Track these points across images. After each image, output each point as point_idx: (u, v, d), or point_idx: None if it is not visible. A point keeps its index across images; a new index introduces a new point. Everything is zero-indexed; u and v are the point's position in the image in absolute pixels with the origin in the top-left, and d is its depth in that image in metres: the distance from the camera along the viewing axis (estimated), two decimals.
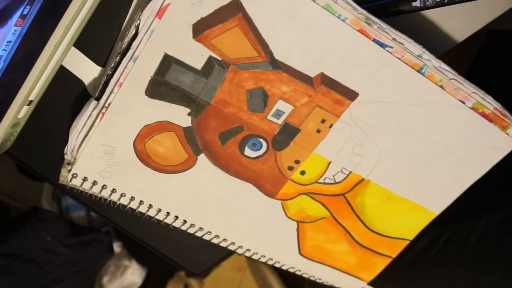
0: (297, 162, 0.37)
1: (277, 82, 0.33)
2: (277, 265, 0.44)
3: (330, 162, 0.38)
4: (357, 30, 0.31)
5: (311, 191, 0.39)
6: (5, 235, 0.54)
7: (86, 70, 0.33)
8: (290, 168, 0.37)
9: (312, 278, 0.46)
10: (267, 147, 0.36)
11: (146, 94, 0.32)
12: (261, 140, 0.36)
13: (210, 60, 0.31)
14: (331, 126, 0.35)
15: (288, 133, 0.35)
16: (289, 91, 0.33)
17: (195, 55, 0.31)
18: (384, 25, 0.31)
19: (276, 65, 0.32)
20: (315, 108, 0.34)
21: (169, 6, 0.29)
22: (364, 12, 0.30)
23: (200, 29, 0.30)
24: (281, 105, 0.34)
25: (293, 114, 0.34)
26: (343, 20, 0.30)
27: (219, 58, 0.31)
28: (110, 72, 0.32)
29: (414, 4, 0.34)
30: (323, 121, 0.35)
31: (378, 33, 0.31)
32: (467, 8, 0.36)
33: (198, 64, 0.32)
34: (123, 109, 0.33)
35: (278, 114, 0.34)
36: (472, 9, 0.36)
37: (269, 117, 0.34)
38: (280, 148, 0.36)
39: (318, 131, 0.36)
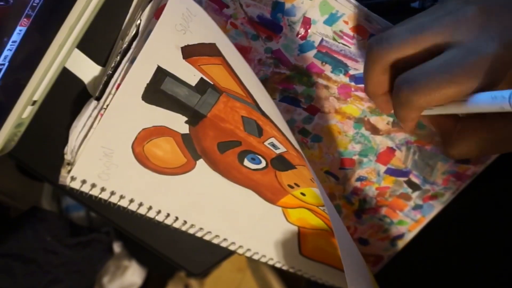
0: (296, 185, 0.37)
1: (268, 125, 0.32)
2: (277, 265, 0.44)
3: None
4: (354, 27, 0.31)
5: (313, 209, 0.39)
6: (5, 235, 0.54)
7: (86, 70, 0.33)
8: (291, 186, 0.37)
9: (312, 278, 0.46)
10: (266, 164, 0.36)
11: (143, 99, 0.32)
12: (259, 157, 0.35)
13: (202, 81, 0.31)
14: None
15: (284, 164, 0.35)
16: (280, 138, 0.32)
17: (188, 73, 0.30)
18: (384, 23, 0.31)
19: (264, 113, 0.31)
20: (306, 165, 0.33)
21: (155, 27, 0.28)
22: (365, 9, 0.30)
23: (189, 53, 0.29)
24: (275, 141, 0.33)
25: (287, 154, 0.34)
26: (339, 16, 0.30)
27: (211, 83, 0.31)
28: (111, 72, 0.31)
29: (413, 5, 0.34)
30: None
31: (374, 27, 0.31)
32: None
33: (192, 81, 0.31)
34: (120, 111, 0.32)
35: (274, 146, 0.34)
36: None
37: (266, 144, 0.34)
38: (279, 170, 0.36)
39: (313, 180, 0.34)
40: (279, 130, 0.30)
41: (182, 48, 0.29)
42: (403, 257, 0.46)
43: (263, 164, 0.35)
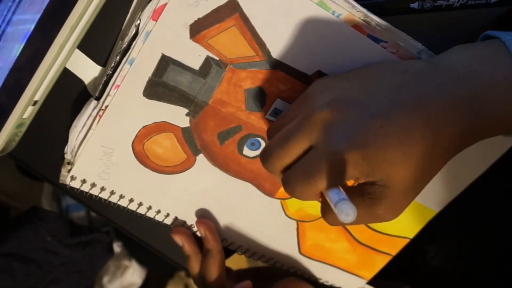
0: None
1: (274, 81, 0.33)
2: (277, 265, 0.44)
3: None
4: (351, 26, 0.31)
5: None
6: (5, 235, 0.55)
7: (86, 70, 0.33)
8: None
9: (312, 279, 0.46)
10: None
11: (144, 95, 0.32)
12: (259, 139, 0.36)
13: (208, 60, 0.31)
14: None
15: None
16: (287, 90, 0.33)
17: (193, 55, 0.31)
18: (383, 23, 0.31)
19: (274, 64, 0.32)
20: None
21: (166, 7, 0.29)
22: (364, 10, 0.30)
23: (197, 29, 0.30)
24: (279, 104, 0.34)
25: None
26: (337, 17, 0.30)
27: (217, 58, 0.32)
28: (111, 72, 0.32)
29: (412, 6, 0.34)
30: None
31: (373, 28, 0.31)
32: (466, 12, 0.36)
33: (196, 64, 0.32)
34: (121, 110, 0.33)
35: (276, 113, 0.34)
36: (471, 12, 0.36)
37: (267, 116, 0.34)
38: None
39: None
40: (289, 76, 0.32)
41: (190, 25, 0.30)
42: (410, 246, 0.45)
43: (263, 147, 0.36)
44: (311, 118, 0.28)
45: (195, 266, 0.40)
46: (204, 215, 0.40)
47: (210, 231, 0.39)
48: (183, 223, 0.40)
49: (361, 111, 0.27)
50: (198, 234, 0.41)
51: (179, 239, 0.39)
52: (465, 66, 0.28)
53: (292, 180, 0.28)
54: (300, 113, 0.29)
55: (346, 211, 0.25)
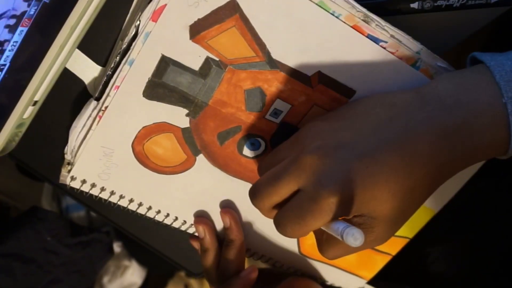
0: None
1: (274, 81, 0.33)
2: (277, 264, 0.44)
3: None
4: (351, 27, 0.31)
5: None
6: (5, 235, 0.55)
7: (86, 70, 0.33)
8: None
9: (312, 278, 0.46)
10: (266, 146, 0.36)
11: (144, 96, 0.32)
12: (259, 139, 0.36)
13: (208, 60, 0.32)
14: None
15: (286, 132, 0.35)
16: (287, 90, 0.33)
17: (192, 56, 0.31)
18: (383, 23, 0.31)
19: (274, 64, 0.32)
20: (312, 106, 0.34)
21: (166, 7, 0.29)
22: (364, 10, 0.30)
23: (197, 30, 0.30)
24: (278, 104, 0.34)
25: (290, 113, 0.34)
26: (337, 17, 0.30)
27: (217, 59, 0.32)
28: (110, 72, 0.32)
29: (412, 5, 0.34)
30: None
31: (372, 28, 0.31)
32: (466, 12, 0.36)
33: (196, 65, 0.32)
34: (121, 111, 0.33)
35: (276, 113, 0.34)
36: (471, 13, 0.36)
37: (267, 117, 0.34)
38: None
39: None
40: (289, 76, 0.32)
41: (190, 26, 0.30)
42: (411, 249, 0.45)
43: (263, 147, 0.36)
44: (300, 162, 0.29)
45: (211, 259, 0.39)
46: (204, 215, 0.40)
47: (234, 221, 0.39)
48: (183, 222, 0.40)
49: (347, 153, 0.28)
50: (196, 234, 0.41)
51: (202, 230, 0.39)
52: (452, 96, 0.28)
53: (283, 221, 0.29)
54: (290, 155, 0.30)
55: (355, 235, 0.26)
